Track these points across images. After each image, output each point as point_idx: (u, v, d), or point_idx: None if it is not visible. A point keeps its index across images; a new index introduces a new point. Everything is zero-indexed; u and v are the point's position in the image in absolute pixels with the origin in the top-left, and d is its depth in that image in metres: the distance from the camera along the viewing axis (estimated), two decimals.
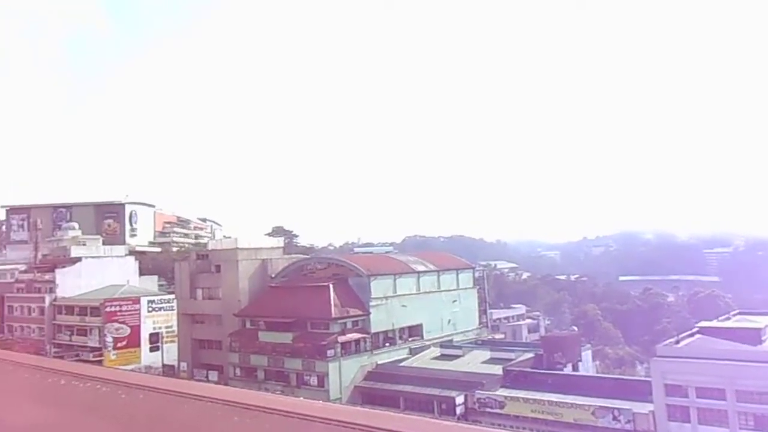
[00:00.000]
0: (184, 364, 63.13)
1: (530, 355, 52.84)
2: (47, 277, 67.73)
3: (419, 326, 62.09)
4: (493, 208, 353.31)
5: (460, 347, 58.76)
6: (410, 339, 60.97)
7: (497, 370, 49.41)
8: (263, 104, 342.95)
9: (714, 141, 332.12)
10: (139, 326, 61.20)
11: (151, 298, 64.03)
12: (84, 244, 77.30)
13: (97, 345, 60.32)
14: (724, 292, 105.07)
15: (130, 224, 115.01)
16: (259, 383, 54.86)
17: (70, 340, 62.76)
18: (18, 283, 71.39)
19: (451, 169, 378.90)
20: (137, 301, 62.08)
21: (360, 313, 57.46)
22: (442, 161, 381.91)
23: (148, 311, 62.15)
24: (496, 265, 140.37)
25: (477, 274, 75.08)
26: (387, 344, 58.75)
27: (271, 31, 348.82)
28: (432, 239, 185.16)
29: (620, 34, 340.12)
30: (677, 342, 44.53)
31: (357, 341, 56.15)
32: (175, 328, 63.79)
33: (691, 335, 46.70)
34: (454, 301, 66.69)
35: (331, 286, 58.15)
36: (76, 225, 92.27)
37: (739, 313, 55.25)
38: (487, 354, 55.30)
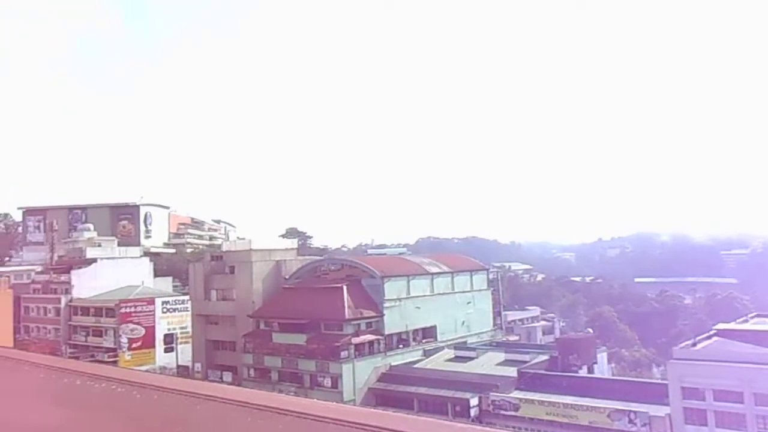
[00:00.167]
0: (198, 365, 63.46)
1: (545, 357, 52.54)
2: (63, 278, 68.20)
3: (433, 328, 61.95)
4: (508, 209, 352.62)
5: (474, 349, 58.55)
6: (424, 341, 60.85)
7: (512, 372, 49.14)
8: (277, 106, 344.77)
9: (731, 142, 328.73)
10: (153, 327, 61.51)
11: (166, 299, 64.33)
12: (99, 246, 77.88)
13: (112, 346, 60.70)
14: (742, 294, 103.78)
15: (145, 225, 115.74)
16: (273, 384, 55.02)
17: (86, 341, 63.20)
18: (34, 284, 71.99)
19: (465, 170, 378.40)
20: (152, 302, 62.40)
21: (373, 314, 57.45)
22: (456, 163, 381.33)
23: (163, 312, 62.45)
24: (510, 267, 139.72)
25: (491, 276, 74.80)
26: (401, 346, 58.69)
27: (288, 33, 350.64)
28: (446, 241, 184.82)
29: (630, 31, 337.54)
30: (694, 344, 44.02)
31: (371, 343, 56.13)
32: (189, 329, 64.12)
33: (709, 338, 46.16)
34: (468, 302, 66.47)
35: (344, 287, 58.21)
36: (91, 226, 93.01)
37: (758, 316, 54.50)
38: (501, 356, 55.04)
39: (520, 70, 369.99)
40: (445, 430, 2.67)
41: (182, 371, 58.81)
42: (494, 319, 71.37)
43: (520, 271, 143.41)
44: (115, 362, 55.50)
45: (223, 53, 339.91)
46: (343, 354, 53.79)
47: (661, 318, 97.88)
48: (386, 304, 57.90)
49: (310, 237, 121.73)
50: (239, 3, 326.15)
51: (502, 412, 45.13)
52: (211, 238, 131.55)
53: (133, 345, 60.47)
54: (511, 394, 46.15)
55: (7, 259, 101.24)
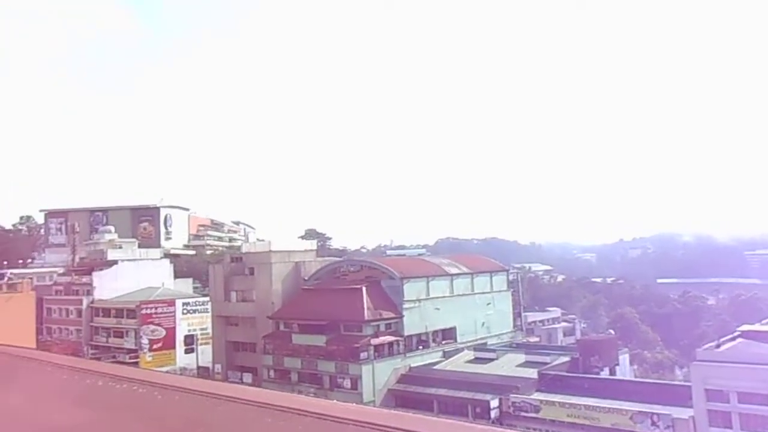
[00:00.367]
0: (218, 366, 63.91)
1: (566, 358, 52.04)
2: (85, 279, 68.95)
3: (453, 329, 61.74)
4: (528, 210, 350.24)
5: (494, 350, 58.22)
6: (444, 342, 60.65)
7: (532, 373, 48.76)
8: (297, 107, 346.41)
9: (755, 141, 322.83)
10: (174, 328, 62.01)
11: (186, 300, 64.82)
12: (120, 247, 78.73)
13: (133, 347, 61.28)
14: (767, 295, 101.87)
15: (165, 227, 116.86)
16: (293, 385, 55.22)
17: (107, 342, 63.88)
18: (56, 286, 72.91)
19: (484, 171, 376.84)
20: (172, 303, 62.91)
21: (393, 315, 57.40)
22: (476, 163, 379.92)
23: (183, 313, 62.94)
24: (530, 268, 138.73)
25: (511, 277, 74.34)
26: (420, 347, 58.57)
27: (307, 34, 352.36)
28: (465, 242, 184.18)
29: (642, 26, 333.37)
30: (718, 346, 43.24)
31: (390, 344, 56.08)
32: (209, 330, 64.56)
33: (733, 339, 45.32)
34: (488, 303, 66.14)
35: (363, 288, 58.24)
36: (112, 228, 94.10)
37: None
38: (521, 357, 54.66)
39: (545, 69, 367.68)
40: None
41: (203, 372, 59.24)
42: (514, 320, 70.92)
43: (541, 272, 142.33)
44: (136, 363, 56.01)
45: (242, 53, 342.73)
46: (363, 355, 53.80)
47: (684, 319, 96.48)
48: (406, 305, 57.81)
49: (329, 238, 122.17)
50: (255, 1, 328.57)
51: (523, 413, 44.77)
52: (230, 239, 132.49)
53: (154, 346, 61.00)
54: (531, 396, 45.77)
55: (29, 261, 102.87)
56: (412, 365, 55.56)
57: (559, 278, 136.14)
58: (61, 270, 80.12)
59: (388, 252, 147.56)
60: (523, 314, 76.83)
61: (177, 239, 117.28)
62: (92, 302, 66.41)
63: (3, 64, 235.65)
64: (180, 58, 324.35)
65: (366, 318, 55.68)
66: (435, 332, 60.40)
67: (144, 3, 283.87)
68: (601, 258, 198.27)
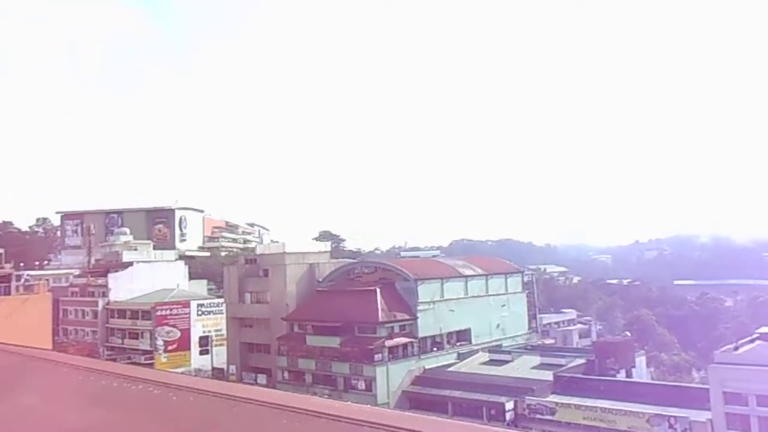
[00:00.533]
0: (233, 367, 64.20)
1: (582, 360, 51.65)
2: (100, 281, 69.59)
3: (467, 331, 61.49)
4: (543, 211, 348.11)
5: (509, 352, 57.91)
6: (458, 344, 60.41)
7: (548, 375, 48.43)
8: (312, 110, 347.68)
9: None
10: (189, 330, 62.42)
11: (201, 301, 65.22)
12: (135, 249, 79.42)
13: (148, 348, 61.76)
14: None
15: (180, 229, 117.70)
16: (307, 387, 55.26)
17: (123, 343, 64.40)
18: (72, 287, 73.68)
19: (499, 172, 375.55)
20: (187, 304, 63.33)
21: (407, 317, 57.27)
22: (490, 165, 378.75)
23: (198, 315, 63.33)
24: (545, 269, 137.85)
25: (526, 278, 73.84)
26: (435, 349, 58.37)
27: (322, 38, 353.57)
28: (480, 243, 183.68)
29: (656, 27, 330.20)
30: (736, 348, 42.66)
31: (404, 346, 55.95)
32: (224, 331, 64.86)
33: (752, 341, 44.67)
34: (503, 305, 65.79)
35: (378, 290, 58.17)
36: (127, 230, 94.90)
37: None
38: (536, 359, 54.33)
39: (561, 70, 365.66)
40: None
41: (217, 373, 59.55)
42: (529, 322, 70.47)
43: (556, 274, 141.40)
44: (151, 364, 56.45)
45: (258, 54, 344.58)
46: (377, 357, 53.71)
47: (702, 321, 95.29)
48: (420, 307, 57.67)
49: (343, 240, 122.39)
50: (263, 3, 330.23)
51: (538, 416, 44.48)
52: (245, 241, 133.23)
53: (169, 347, 61.43)
54: (547, 398, 45.45)
55: (46, 262, 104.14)
56: (426, 367, 55.41)
57: (575, 280, 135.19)
58: (77, 271, 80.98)
59: (402, 253, 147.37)
60: (538, 316, 76.31)
61: (192, 241, 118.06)
62: (108, 304, 66.99)
63: (22, 66, 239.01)
64: (196, 60, 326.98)
65: (380, 319, 55.59)
66: (449, 334, 60.16)
67: (158, 3, 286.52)
68: (617, 259, 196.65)
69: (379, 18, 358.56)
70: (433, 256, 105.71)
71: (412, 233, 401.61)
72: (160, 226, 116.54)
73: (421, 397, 51.62)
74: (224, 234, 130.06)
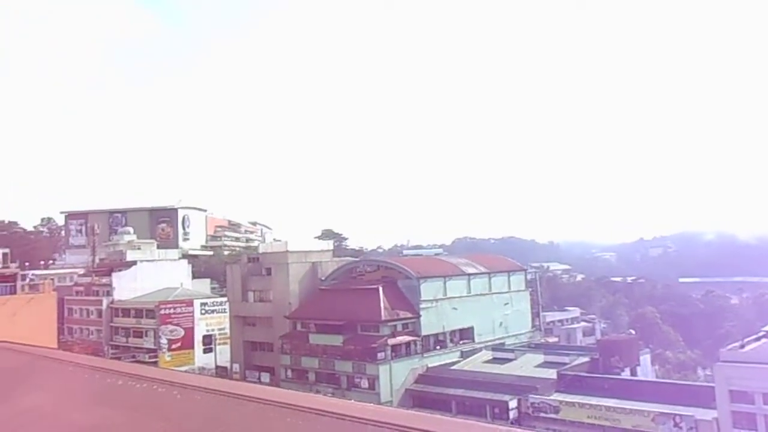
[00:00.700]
0: (236, 366, 64.31)
1: (586, 359, 51.60)
2: (104, 280, 69.68)
3: (470, 329, 61.51)
4: (545, 209, 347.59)
5: (512, 350, 57.90)
6: (461, 342, 60.44)
7: (551, 374, 48.40)
8: (313, 109, 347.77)
9: None
10: (192, 328, 62.51)
11: (204, 300, 65.30)
12: (139, 248, 79.46)
13: (152, 347, 61.85)
14: None
15: (183, 228, 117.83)
16: (310, 385, 55.38)
17: (127, 342, 64.50)
18: (77, 287, 73.79)
19: (501, 170, 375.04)
20: (191, 303, 63.42)
21: (410, 315, 57.32)
22: (493, 162, 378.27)
23: (201, 313, 63.42)
24: (548, 267, 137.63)
25: (529, 276, 73.84)
26: (437, 347, 58.41)
27: (323, 37, 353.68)
28: (482, 241, 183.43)
29: (660, 22, 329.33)
30: (742, 346, 42.50)
31: (407, 344, 56.00)
32: (227, 330, 64.98)
33: (758, 339, 44.49)
34: (506, 303, 65.77)
35: (380, 288, 58.23)
36: (131, 229, 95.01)
37: None
38: (540, 357, 54.29)
39: (563, 67, 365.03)
40: None
41: (221, 372, 59.64)
42: (533, 320, 70.42)
43: (559, 272, 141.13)
44: (155, 363, 56.54)
45: (260, 54, 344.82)
46: (380, 355, 53.77)
47: (707, 319, 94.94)
48: (423, 305, 57.70)
49: (346, 238, 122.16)
50: (263, 3, 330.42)
51: (542, 414, 44.44)
52: (247, 240, 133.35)
53: (173, 346, 61.53)
54: (550, 397, 45.42)
55: (50, 262, 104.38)
56: (429, 365, 55.46)
57: (578, 277, 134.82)
58: (81, 271, 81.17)
59: (405, 252, 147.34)
60: (541, 314, 76.27)
61: (195, 240, 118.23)
62: (112, 303, 67.14)
63: (26, 66, 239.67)
64: (198, 59, 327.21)
65: (383, 318, 55.64)
66: (452, 332, 60.19)
67: (163, 4, 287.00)
68: (621, 257, 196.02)
69: (384, 17, 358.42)
70: (436, 254, 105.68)
71: (414, 231, 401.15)
72: (164, 225, 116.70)
73: (425, 395, 51.64)
74: (227, 233, 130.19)
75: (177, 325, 61.95)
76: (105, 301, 67.26)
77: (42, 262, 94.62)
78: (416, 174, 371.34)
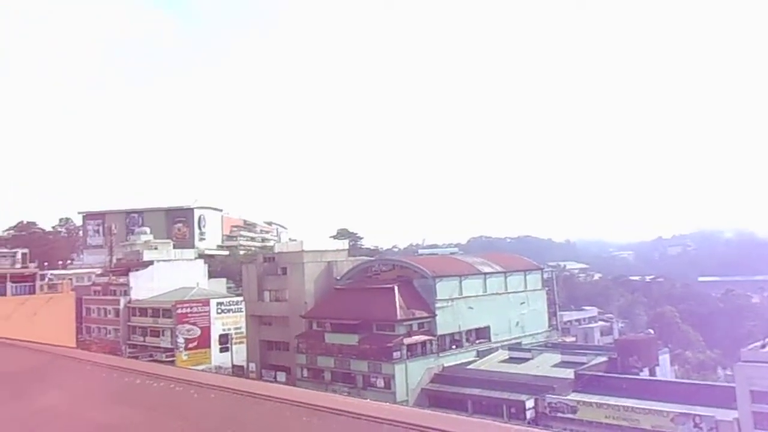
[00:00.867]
0: (252, 365, 64.69)
1: (603, 358, 51.18)
2: (122, 280, 70.47)
3: (486, 328, 61.28)
4: (562, 207, 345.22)
5: (529, 350, 57.57)
6: (477, 341, 60.23)
7: (569, 373, 48.06)
8: (328, 108, 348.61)
9: None
10: (209, 327, 63.01)
11: (220, 300, 65.80)
12: (155, 248, 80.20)
13: (169, 346, 62.42)
14: None
15: (199, 228, 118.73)
16: (326, 384, 55.52)
17: (144, 341, 65.16)
18: (95, 286, 74.74)
19: (517, 168, 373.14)
20: (207, 303, 63.94)
21: (425, 315, 57.23)
22: (508, 161, 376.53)
23: (218, 313, 63.91)
24: (565, 266, 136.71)
25: (546, 276, 73.34)
26: (453, 346, 58.26)
27: (335, 37, 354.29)
28: (498, 240, 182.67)
29: (676, 15, 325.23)
30: (764, 346, 41.93)
31: (423, 343, 55.92)
32: (243, 329, 65.43)
33: None
34: (522, 302, 65.43)
35: (396, 287, 58.20)
36: (147, 229, 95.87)
37: None
38: (557, 357, 53.94)
39: (576, 65, 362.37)
40: None
41: (237, 371, 60.02)
42: (549, 319, 69.97)
43: (576, 271, 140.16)
44: (172, 362, 57.04)
45: (274, 53, 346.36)
46: (396, 354, 53.76)
47: (727, 318, 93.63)
48: (438, 305, 57.59)
49: (361, 238, 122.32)
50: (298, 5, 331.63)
51: (560, 414, 44.16)
52: (263, 239, 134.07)
53: (190, 345, 62.06)
54: (568, 397, 45.10)
55: (69, 262, 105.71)
56: (445, 365, 55.35)
57: (596, 276, 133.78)
58: (99, 271, 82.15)
59: (420, 251, 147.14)
60: (558, 313, 75.74)
61: (211, 240, 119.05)
62: (129, 302, 67.85)
63: (31, 65, 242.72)
64: (214, 60, 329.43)
65: (398, 317, 55.62)
66: (468, 331, 60.00)
67: (179, 3, 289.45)
68: (639, 256, 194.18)
69: (399, 16, 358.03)
70: (451, 253, 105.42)
71: (429, 230, 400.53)
72: (180, 225, 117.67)
73: (441, 394, 51.56)
74: (243, 233, 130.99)
75: (194, 324, 62.48)
76: (122, 301, 67.98)
77: (60, 262, 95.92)
78: (432, 173, 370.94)
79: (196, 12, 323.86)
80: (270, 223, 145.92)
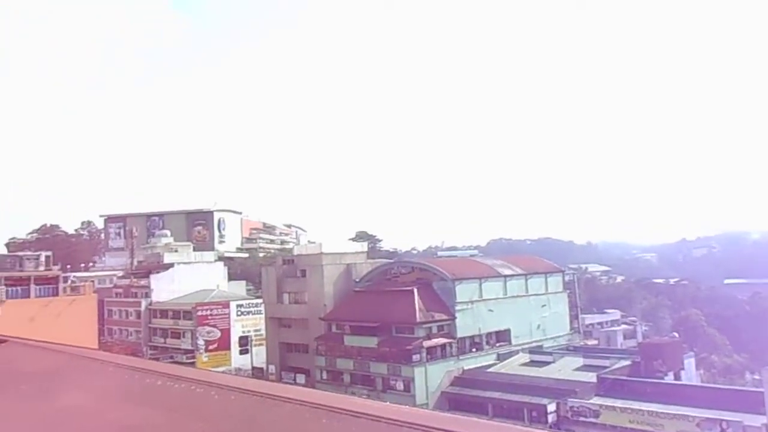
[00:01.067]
0: (272, 367, 64.99)
1: (627, 362, 50.50)
2: (143, 282, 71.37)
3: (507, 331, 60.86)
4: (583, 209, 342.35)
5: (550, 353, 57.03)
6: (497, 344, 59.85)
7: (591, 377, 47.54)
8: (347, 111, 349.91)
9: None
10: (229, 330, 63.51)
11: (240, 302, 66.30)
12: (176, 251, 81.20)
13: (189, 347, 63.04)
14: None
15: (219, 231, 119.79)
16: (346, 387, 55.57)
17: (165, 343, 65.88)
18: (116, 288, 75.81)
19: (538, 170, 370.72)
20: (227, 305, 64.45)
21: (445, 317, 57.02)
22: (529, 162, 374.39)
23: (237, 315, 64.40)
24: (587, 269, 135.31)
25: (567, 278, 72.69)
26: (473, 349, 57.97)
27: (353, 39, 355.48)
28: (518, 242, 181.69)
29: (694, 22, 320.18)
30: None
31: (443, 346, 55.72)
32: (263, 331, 65.81)
33: None
34: (543, 305, 64.89)
35: (415, 290, 58.09)
36: (168, 232, 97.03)
37: None
38: (579, 361, 53.33)
39: (594, 64, 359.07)
40: None
41: (257, 373, 60.41)
42: (571, 322, 69.31)
43: (598, 273, 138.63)
44: (193, 363, 57.61)
45: (292, 53, 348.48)
46: (415, 357, 53.64)
47: (754, 321, 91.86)
48: (458, 307, 57.35)
49: (380, 240, 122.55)
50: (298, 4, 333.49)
51: (582, 418, 43.69)
52: (282, 242, 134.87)
53: (210, 347, 62.60)
54: (590, 401, 44.60)
55: (91, 264, 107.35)
56: (465, 368, 55.08)
57: (618, 279, 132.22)
58: (120, 273, 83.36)
59: (440, 253, 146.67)
60: (580, 316, 74.98)
61: (230, 242, 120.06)
62: (150, 304, 68.64)
63: (43, 66, 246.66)
64: (232, 61, 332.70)
65: (418, 320, 55.50)
66: (488, 334, 59.65)
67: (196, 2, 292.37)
68: (663, 258, 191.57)
69: (407, 18, 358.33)
70: (471, 255, 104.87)
71: (449, 233, 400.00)
72: (200, 228, 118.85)
73: (461, 398, 51.32)
74: (262, 235, 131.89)
75: (214, 326, 63.01)
76: (143, 303, 68.80)
77: (82, 265, 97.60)
78: (452, 175, 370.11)
79: (208, 10, 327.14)
80: (289, 226, 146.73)
